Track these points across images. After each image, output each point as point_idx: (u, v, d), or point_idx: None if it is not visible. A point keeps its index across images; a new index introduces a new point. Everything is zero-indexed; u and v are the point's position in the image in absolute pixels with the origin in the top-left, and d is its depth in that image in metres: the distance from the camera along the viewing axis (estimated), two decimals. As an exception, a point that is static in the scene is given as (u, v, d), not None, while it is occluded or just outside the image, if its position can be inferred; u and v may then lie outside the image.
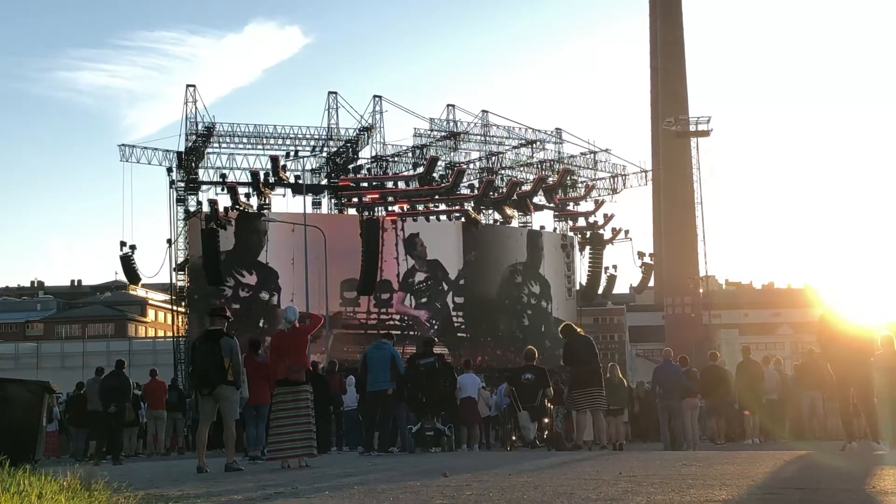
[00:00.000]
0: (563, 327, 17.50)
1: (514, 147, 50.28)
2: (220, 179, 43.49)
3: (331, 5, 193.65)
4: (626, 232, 51.54)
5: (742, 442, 21.53)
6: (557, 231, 52.15)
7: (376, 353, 17.50)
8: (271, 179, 43.23)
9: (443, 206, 47.55)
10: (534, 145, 50.52)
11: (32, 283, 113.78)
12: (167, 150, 44.09)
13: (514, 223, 50.12)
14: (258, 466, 13.84)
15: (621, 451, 15.61)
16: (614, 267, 52.05)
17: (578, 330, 16.73)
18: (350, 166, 46.21)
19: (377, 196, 46.03)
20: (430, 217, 47.09)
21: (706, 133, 67.66)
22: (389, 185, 46.53)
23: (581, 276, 51.95)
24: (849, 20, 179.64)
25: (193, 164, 43.85)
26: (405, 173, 47.34)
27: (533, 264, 49.39)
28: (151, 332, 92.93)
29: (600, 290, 51.89)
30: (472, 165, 49.27)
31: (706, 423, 23.39)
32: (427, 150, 47.41)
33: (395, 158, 47.89)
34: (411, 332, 43.28)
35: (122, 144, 44.18)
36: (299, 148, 44.88)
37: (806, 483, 7.95)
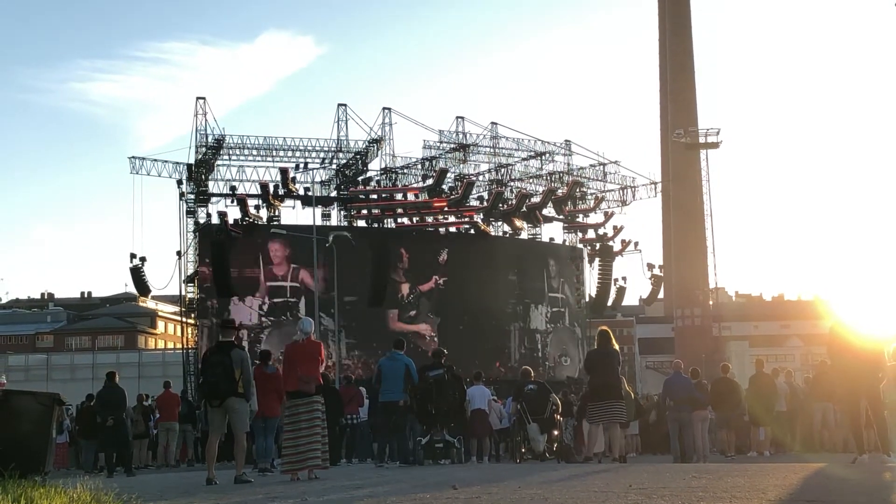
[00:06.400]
0: (597, 333, 17.25)
1: (524, 159, 50.32)
2: (230, 191, 43.66)
3: (344, 15, 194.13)
4: (636, 244, 51.64)
5: (746, 454, 21.45)
6: (567, 243, 52.14)
7: (391, 365, 17.44)
8: (281, 191, 43.35)
9: (452, 218, 47.58)
10: (543, 157, 50.56)
11: (42, 294, 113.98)
12: (177, 163, 44.31)
13: (524, 235, 50.13)
14: (268, 478, 13.84)
15: (625, 463, 15.54)
16: (624, 279, 52.15)
17: (612, 340, 16.41)
18: (359, 178, 46.29)
19: (387, 208, 46.09)
20: (440, 229, 47.14)
21: (716, 145, 67.65)
22: (399, 196, 46.59)
23: (591, 287, 52.02)
24: (860, 31, 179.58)
25: (203, 177, 44.01)
26: (414, 185, 47.42)
27: (542, 276, 49.41)
28: (161, 344, 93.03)
29: (610, 302, 51.86)
30: (481, 177, 49.33)
31: (716, 436, 23.32)
32: (436, 161, 47.49)
33: (405, 170, 47.97)
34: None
35: (133, 157, 44.37)
36: (309, 160, 45.02)
37: (816, 495, 7.92)
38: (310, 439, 12.55)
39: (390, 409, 17.53)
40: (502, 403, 24.32)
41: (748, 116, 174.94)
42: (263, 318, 43.24)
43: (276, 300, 43.51)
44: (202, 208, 44.09)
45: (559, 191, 49.53)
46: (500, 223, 49.39)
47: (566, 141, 51.93)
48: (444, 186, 46.00)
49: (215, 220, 42.44)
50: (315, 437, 12.59)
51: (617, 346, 16.59)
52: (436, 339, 44.25)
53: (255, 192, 43.61)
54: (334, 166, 46.18)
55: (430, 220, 46.82)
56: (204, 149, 43.73)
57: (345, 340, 42.58)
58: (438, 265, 46.04)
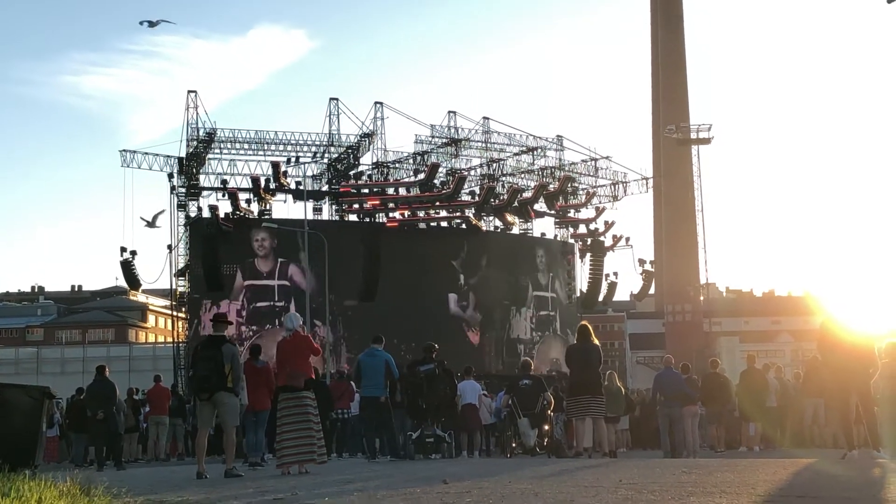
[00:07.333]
0: (577, 328, 17.27)
1: (515, 154, 50.27)
2: (221, 185, 43.57)
3: (337, 9, 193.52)
4: (627, 239, 51.68)
5: (737, 450, 21.50)
6: (558, 238, 52.15)
7: (370, 361, 17.38)
8: (272, 185, 43.28)
9: (444, 213, 47.56)
10: (535, 152, 50.51)
11: (33, 288, 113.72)
12: (168, 156, 44.13)
13: (515, 230, 50.12)
14: (258, 472, 13.84)
15: (615, 458, 15.55)
16: (615, 274, 52.16)
17: (591, 335, 16.42)
18: (351, 172, 46.23)
19: (378, 202, 46.04)
20: (432, 224, 47.12)
21: (707, 140, 67.76)
22: (390, 191, 46.54)
23: (582, 283, 52.03)
24: (852, 28, 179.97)
25: (194, 170, 43.88)
26: (406, 180, 47.36)
27: (535, 271, 49.41)
28: (152, 338, 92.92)
29: (601, 298, 51.92)
30: (472, 172, 49.26)
31: (706, 431, 23.37)
32: (428, 156, 47.41)
33: (396, 165, 47.90)
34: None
35: (124, 150, 44.18)
36: (300, 154, 44.92)
37: (806, 491, 7.94)
38: (302, 433, 12.56)
39: (372, 404, 17.57)
40: (493, 398, 24.35)
41: (740, 112, 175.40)
42: (243, 328, 40.75)
43: (259, 304, 41.89)
44: (193, 202, 43.98)
45: (551, 186, 49.51)
46: (491, 218, 49.38)
47: (558, 136, 51.95)
48: (435, 181, 45.96)
49: (206, 213, 42.34)
50: (308, 431, 12.61)
51: (597, 342, 16.61)
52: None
53: (247, 186, 43.53)
54: (326, 160, 46.08)
55: (421, 214, 46.83)
56: (195, 142, 43.63)
57: (345, 353, 41.84)
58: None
